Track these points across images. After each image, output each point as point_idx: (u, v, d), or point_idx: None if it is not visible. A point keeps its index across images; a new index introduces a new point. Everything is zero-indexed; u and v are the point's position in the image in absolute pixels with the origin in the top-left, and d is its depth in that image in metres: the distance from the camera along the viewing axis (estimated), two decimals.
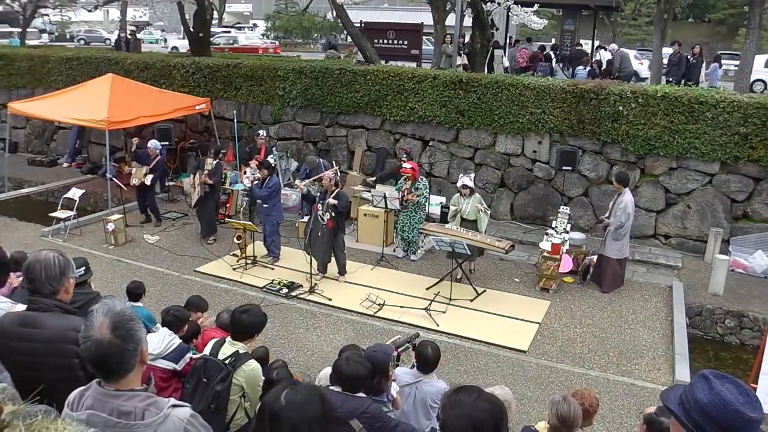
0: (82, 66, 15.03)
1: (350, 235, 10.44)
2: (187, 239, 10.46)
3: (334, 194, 8.44)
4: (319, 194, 8.65)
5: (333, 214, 8.45)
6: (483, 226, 8.78)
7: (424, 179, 9.77)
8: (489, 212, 8.97)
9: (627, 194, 8.49)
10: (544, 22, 16.23)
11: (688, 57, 14.54)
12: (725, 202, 9.72)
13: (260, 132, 11.80)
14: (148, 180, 10.58)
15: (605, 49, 18.36)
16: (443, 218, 10.37)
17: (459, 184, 8.97)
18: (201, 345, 4.93)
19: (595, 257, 8.95)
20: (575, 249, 9.15)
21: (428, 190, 9.82)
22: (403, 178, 9.57)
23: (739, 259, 9.40)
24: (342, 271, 8.95)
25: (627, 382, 6.63)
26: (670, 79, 14.23)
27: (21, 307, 2.75)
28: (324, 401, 2.05)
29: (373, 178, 11.22)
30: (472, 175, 9.48)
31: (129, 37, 20.01)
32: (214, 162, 10.10)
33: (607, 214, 8.70)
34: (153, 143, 10.95)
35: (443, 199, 11.07)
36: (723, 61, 18.51)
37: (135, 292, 5.45)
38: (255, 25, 50.65)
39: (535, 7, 15.45)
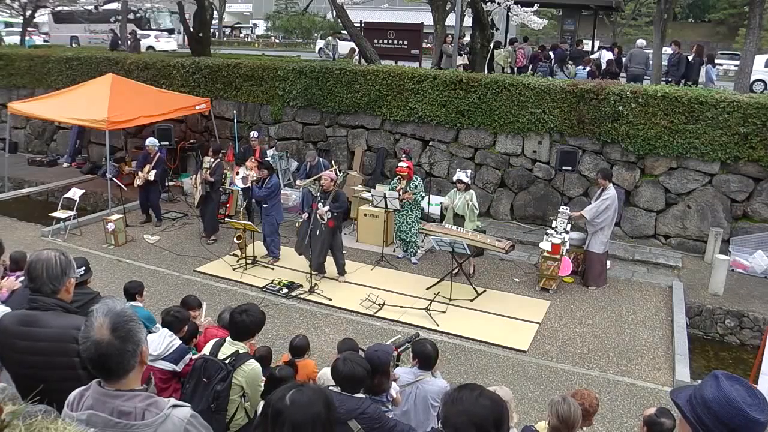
0: (82, 66, 15.04)
1: (350, 235, 10.45)
2: (187, 239, 10.46)
3: (332, 195, 8.46)
4: (319, 194, 8.66)
5: (335, 213, 8.47)
6: (467, 221, 8.79)
7: (419, 178, 9.77)
8: (477, 211, 8.96)
9: (611, 189, 8.63)
10: (544, 22, 16.25)
11: (688, 57, 14.52)
12: (725, 202, 9.72)
13: (253, 133, 11.62)
14: (151, 176, 10.58)
15: (607, 49, 18.25)
16: (443, 218, 10.35)
17: (455, 178, 9.04)
18: (202, 343, 4.94)
19: None
20: (575, 249, 9.16)
21: (423, 190, 9.81)
22: (396, 177, 9.59)
23: (739, 259, 9.40)
24: (341, 271, 8.95)
25: (627, 382, 6.63)
26: (669, 79, 14.23)
27: None
28: (329, 404, 2.05)
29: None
30: (469, 171, 9.47)
31: (129, 36, 20.01)
32: (214, 160, 10.10)
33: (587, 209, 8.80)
34: (150, 141, 10.95)
35: (443, 199, 11.06)
36: (723, 61, 18.40)
37: (130, 291, 5.45)
38: (255, 25, 50.59)
39: (535, 7, 15.46)
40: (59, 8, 24.86)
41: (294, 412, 1.97)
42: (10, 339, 2.55)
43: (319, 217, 8.42)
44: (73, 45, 26.92)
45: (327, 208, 8.36)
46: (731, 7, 38.12)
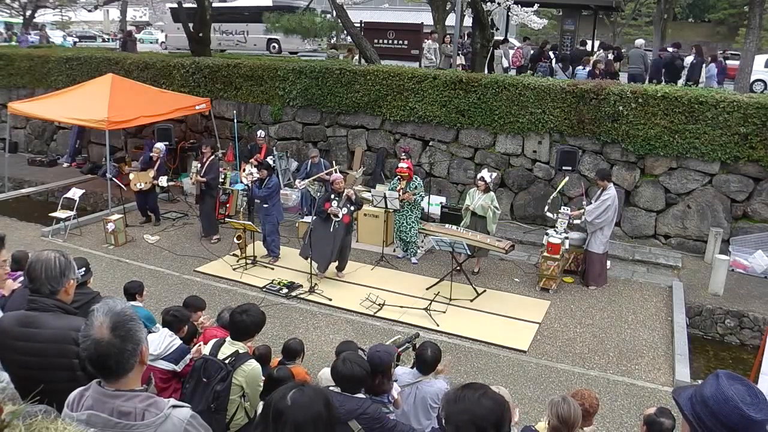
0: (82, 66, 15.03)
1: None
2: (187, 239, 10.46)
3: (346, 195, 8.57)
4: (334, 195, 8.69)
5: (351, 209, 8.51)
6: (490, 224, 8.79)
7: (419, 179, 9.77)
8: (498, 212, 8.98)
9: (611, 189, 8.64)
10: (544, 22, 16.23)
11: (681, 56, 14.66)
12: (725, 202, 9.72)
13: (259, 132, 11.72)
14: (164, 181, 10.63)
15: (606, 49, 18.23)
16: (443, 218, 10.36)
17: (478, 175, 9.01)
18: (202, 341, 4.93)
19: None
20: (575, 249, 9.16)
21: (423, 190, 9.81)
22: (397, 177, 9.59)
23: (739, 259, 9.39)
24: (344, 267, 9.00)
25: (627, 382, 6.63)
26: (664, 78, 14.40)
27: None
28: (330, 404, 2.06)
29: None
30: (494, 174, 9.39)
31: (127, 36, 20.00)
32: (206, 159, 10.14)
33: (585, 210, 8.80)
34: (160, 145, 11.07)
35: (443, 199, 11.07)
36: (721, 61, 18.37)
37: (130, 291, 5.46)
38: None
39: (535, 7, 15.45)
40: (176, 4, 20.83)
41: (295, 412, 1.97)
42: (9, 340, 2.55)
43: (332, 215, 8.46)
44: None
45: (346, 209, 8.51)
46: (731, 7, 38.07)
